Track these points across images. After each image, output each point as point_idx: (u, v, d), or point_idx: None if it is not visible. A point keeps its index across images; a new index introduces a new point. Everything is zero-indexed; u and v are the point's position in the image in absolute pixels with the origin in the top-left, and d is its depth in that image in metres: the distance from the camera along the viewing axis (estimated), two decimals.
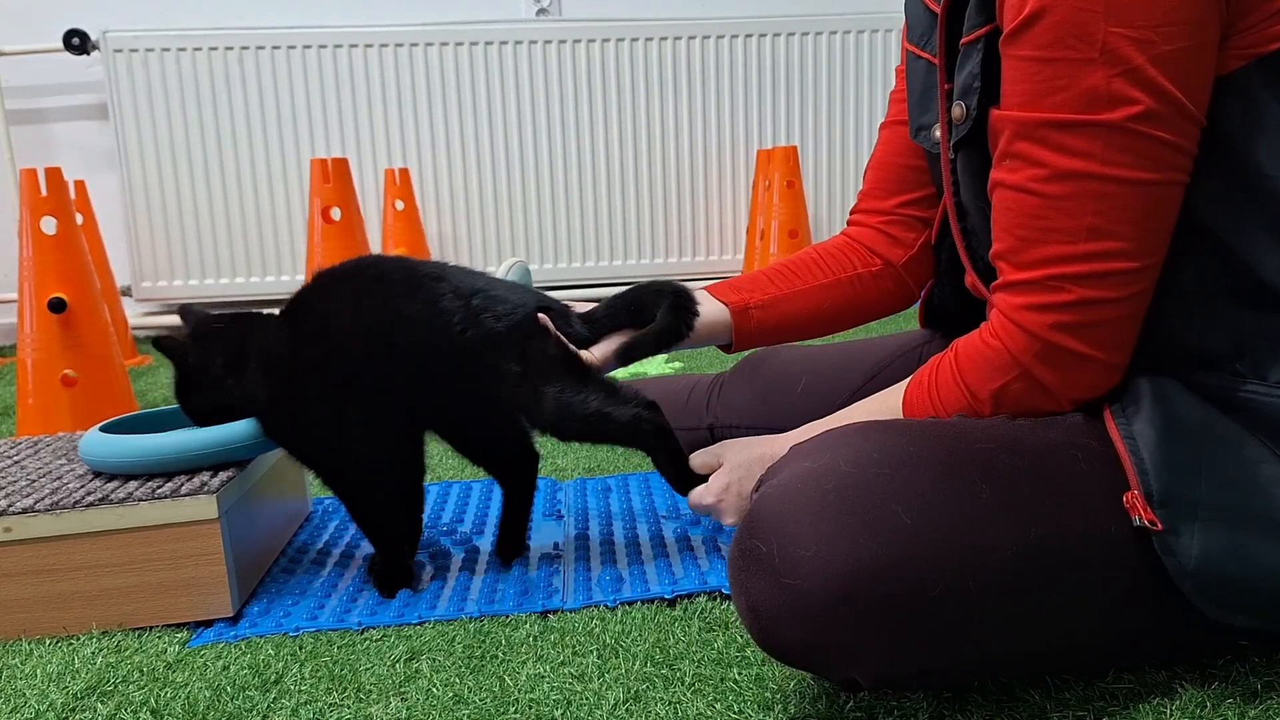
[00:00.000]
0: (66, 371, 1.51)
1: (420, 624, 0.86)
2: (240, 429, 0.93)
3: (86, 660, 0.81)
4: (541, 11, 2.84)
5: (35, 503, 0.86)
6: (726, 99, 2.84)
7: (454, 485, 1.29)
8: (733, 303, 1.00)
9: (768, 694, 0.71)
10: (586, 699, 0.72)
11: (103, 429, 0.97)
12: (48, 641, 0.86)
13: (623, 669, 0.76)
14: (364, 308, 0.89)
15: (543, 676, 0.75)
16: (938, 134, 0.88)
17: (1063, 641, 0.67)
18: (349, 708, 0.73)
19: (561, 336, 0.89)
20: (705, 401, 1.30)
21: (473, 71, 2.74)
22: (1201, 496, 0.63)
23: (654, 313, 0.92)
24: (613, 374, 0.93)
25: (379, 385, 0.89)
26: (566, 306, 0.93)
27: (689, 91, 2.82)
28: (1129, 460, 0.65)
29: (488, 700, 0.72)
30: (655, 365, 1.99)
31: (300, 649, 0.82)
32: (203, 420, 0.94)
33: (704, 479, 0.89)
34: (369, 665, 0.79)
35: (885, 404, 0.79)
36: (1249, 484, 0.64)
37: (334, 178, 2.16)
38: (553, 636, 0.82)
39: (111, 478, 0.91)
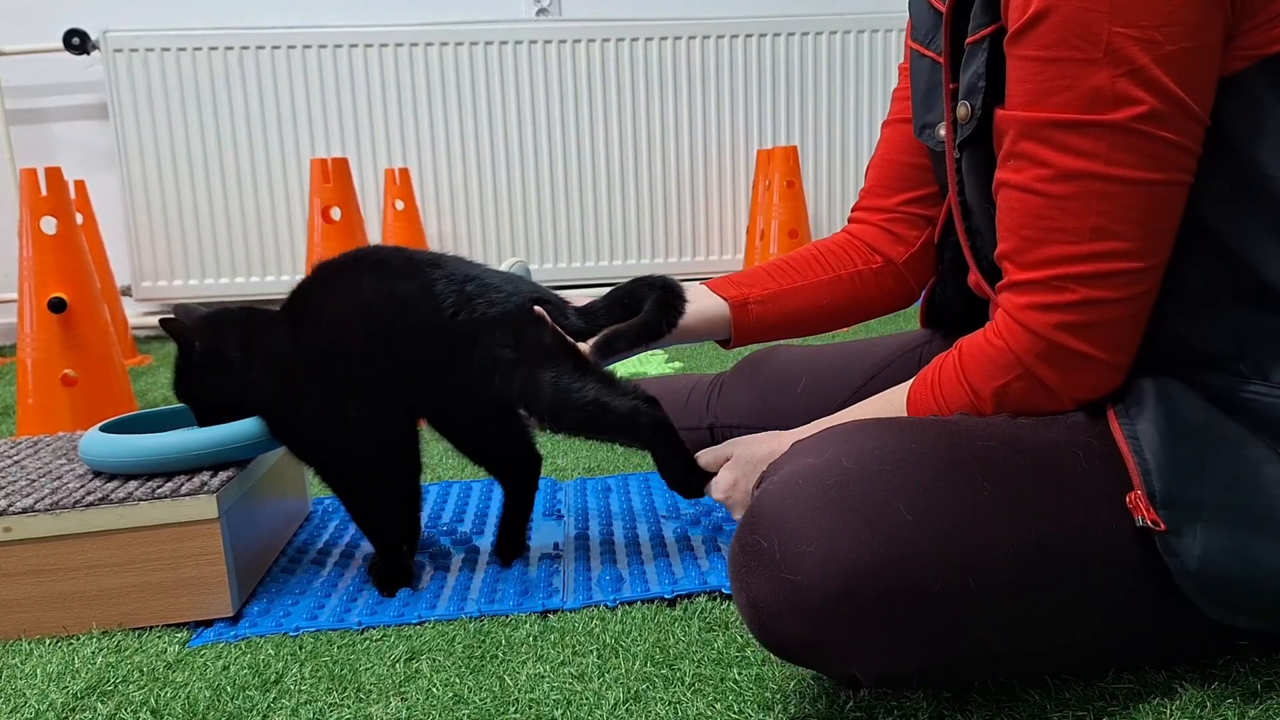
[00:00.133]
0: (66, 371, 1.51)
1: (420, 624, 0.86)
2: (240, 429, 0.93)
3: (86, 660, 0.81)
4: (541, 11, 2.84)
5: (35, 502, 0.86)
6: (726, 99, 2.84)
7: (454, 485, 1.29)
8: (732, 297, 1.00)
9: (768, 694, 0.71)
10: (586, 699, 0.72)
11: (103, 429, 0.97)
12: (48, 641, 0.86)
13: (623, 669, 0.76)
14: (361, 292, 0.89)
15: (543, 676, 0.75)
16: (941, 132, 0.88)
17: (1064, 640, 0.67)
18: (349, 707, 0.72)
19: (558, 328, 0.89)
20: (705, 401, 1.30)
21: (473, 71, 2.74)
22: (1204, 497, 0.63)
23: (643, 297, 0.91)
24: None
25: (376, 374, 0.89)
26: (563, 299, 0.93)
27: (689, 91, 2.82)
28: (1132, 460, 0.65)
29: (488, 700, 0.72)
30: (655, 365, 1.99)
31: (300, 649, 0.82)
32: (202, 411, 0.94)
33: (708, 475, 0.89)
34: (369, 665, 0.79)
35: (890, 402, 0.79)
36: (1251, 485, 0.64)
37: (334, 177, 2.16)
38: (553, 636, 0.82)
39: (111, 477, 0.91)
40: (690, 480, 0.91)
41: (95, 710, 0.74)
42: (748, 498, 0.85)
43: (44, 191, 1.53)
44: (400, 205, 2.59)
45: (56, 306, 1.49)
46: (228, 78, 2.66)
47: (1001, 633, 0.64)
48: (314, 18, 2.72)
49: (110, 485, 0.89)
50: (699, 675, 0.74)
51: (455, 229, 2.82)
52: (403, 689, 0.75)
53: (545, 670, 0.76)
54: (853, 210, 1.09)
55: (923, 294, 1.10)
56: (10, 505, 0.86)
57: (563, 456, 1.40)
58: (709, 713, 0.69)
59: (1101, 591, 0.65)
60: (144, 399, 1.90)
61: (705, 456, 0.90)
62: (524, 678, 0.75)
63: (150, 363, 2.38)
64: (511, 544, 1.01)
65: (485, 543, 1.06)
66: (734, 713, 0.69)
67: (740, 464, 0.86)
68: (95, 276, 1.58)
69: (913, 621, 0.61)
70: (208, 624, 0.88)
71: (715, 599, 0.88)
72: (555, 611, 0.87)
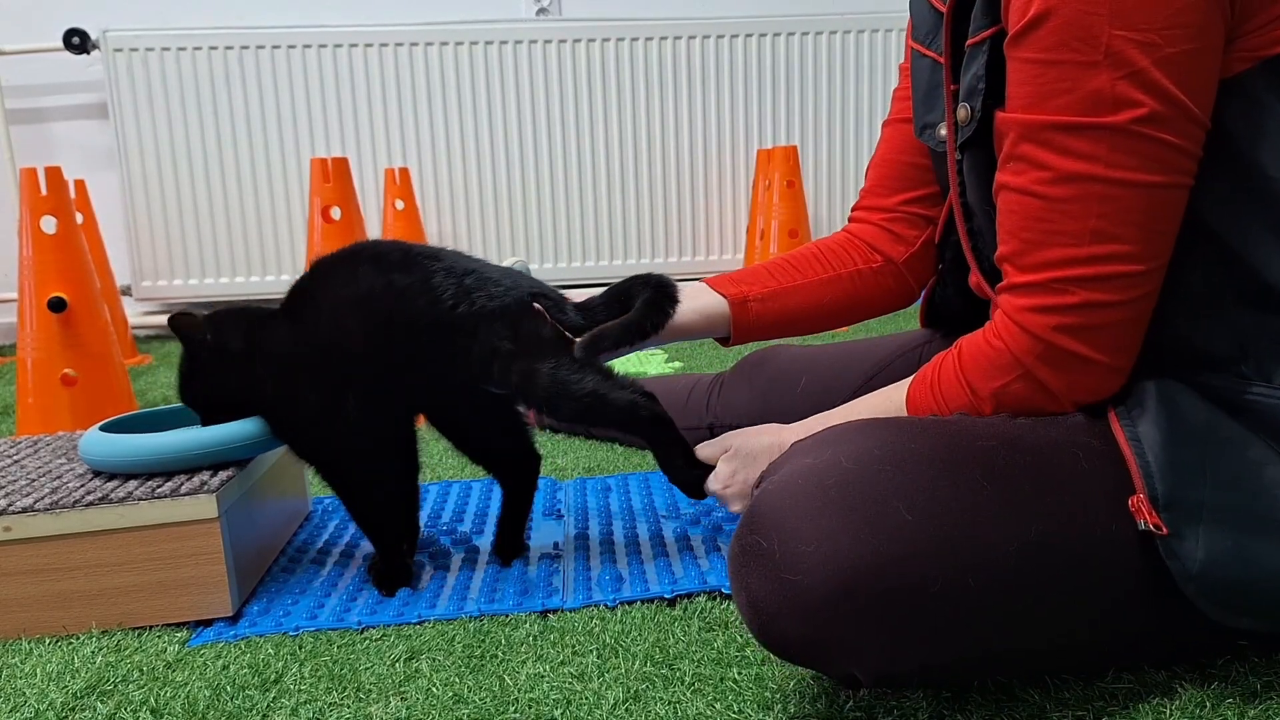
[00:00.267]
0: (66, 371, 1.50)
1: (420, 623, 0.86)
2: (240, 428, 0.93)
3: (86, 659, 0.81)
4: (541, 11, 2.84)
5: (35, 502, 0.86)
6: (726, 99, 2.84)
7: (454, 485, 1.29)
8: (731, 295, 1.00)
9: (767, 693, 0.71)
10: (586, 699, 0.72)
11: (102, 428, 0.97)
12: (47, 641, 0.86)
13: (622, 669, 0.76)
14: (359, 286, 0.89)
15: (542, 676, 0.75)
16: (942, 132, 0.88)
17: (1063, 640, 0.67)
18: (349, 707, 0.72)
19: (556, 323, 0.89)
20: (705, 401, 1.30)
21: (473, 71, 2.74)
22: (1206, 499, 0.63)
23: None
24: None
25: (375, 369, 0.89)
26: (561, 295, 0.93)
27: (689, 91, 2.82)
28: (1134, 462, 0.65)
29: (487, 700, 0.72)
30: (655, 365, 1.99)
31: (300, 648, 0.82)
32: (205, 410, 0.94)
33: (709, 469, 0.89)
34: (369, 665, 0.79)
35: (890, 400, 0.79)
36: (1254, 486, 0.64)
37: (334, 177, 2.16)
38: (552, 636, 0.82)
39: (111, 477, 0.91)
40: (693, 476, 0.91)
41: (95, 710, 0.74)
42: (746, 489, 0.85)
43: (44, 191, 1.53)
44: (400, 205, 2.59)
45: (56, 306, 1.49)
46: (228, 78, 2.66)
47: (1001, 632, 0.64)
48: (314, 18, 2.72)
49: (110, 485, 0.89)
50: (699, 675, 0.74)
51: (455, 229, 2.81)
52: (402, 689, 0.75)
53: (545, 670, 0.76)
54: (853, 210, 1.09)
55: (923, 294, 1.10)
56: (10, 505, 0.86)
57: (562, 456, 1.40)
58: (709, 712, 0.69)
59: (1101, 591, 0.65)
60: (144, 399, 1.90)
61: (704, 450, 0.90)
62: (524, 677, 0.75)
63: (150, 362, 2.38)
64: (511, 543, 1.01)
65: (485, 542, 1.06)
66: (734, 712, 0.69)
67: (738, 456, 0.86)
68: (95, 276, 1.58)
69: (913, 621, 0.61)
70: (207, 623, 0.88)
71: (715, 599, 0.88)
72: (555, 611, 0.87)
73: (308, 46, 2.67)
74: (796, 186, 2.60)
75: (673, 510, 1.14)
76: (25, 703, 0.75)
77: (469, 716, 0.70)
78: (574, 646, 0.80)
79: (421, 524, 1.06)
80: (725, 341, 1.03)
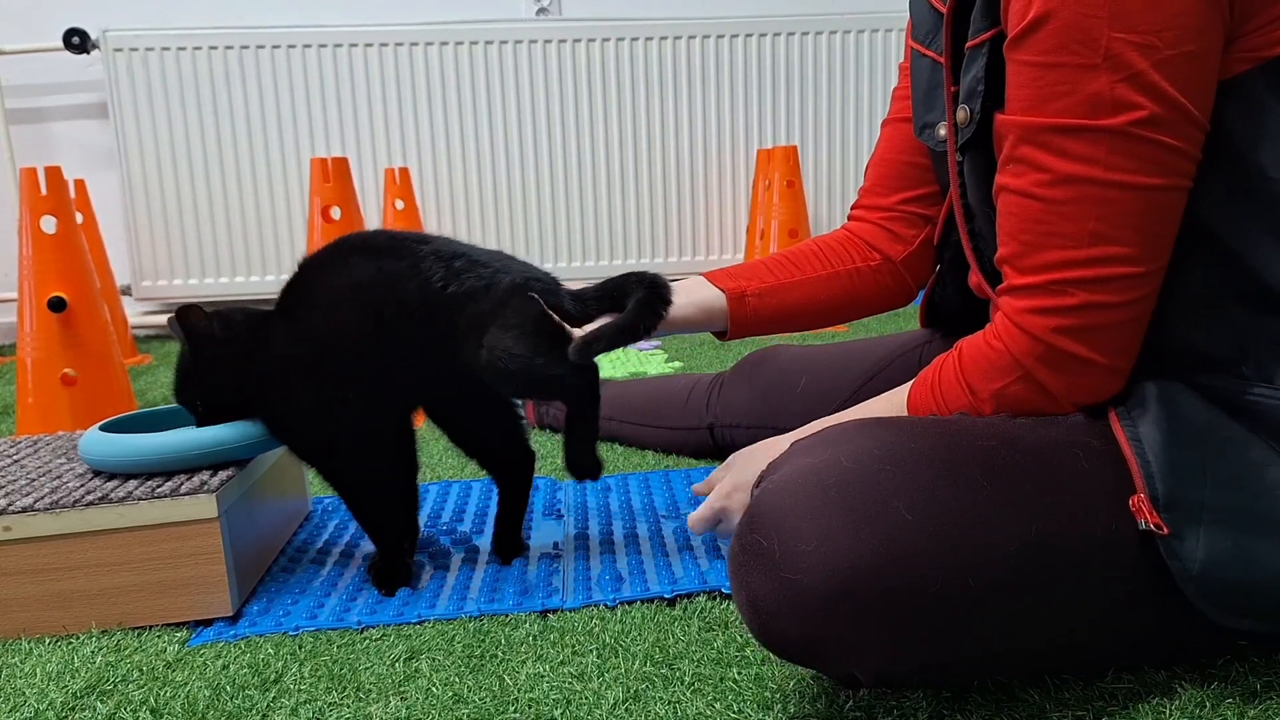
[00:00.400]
0: (66, 371, 1.50)
1: (420, 623, 0.86)
2: (240, 428, 0.93)
3: (86, 659, 0.81)
4: (541, 11, 2.84)
5: (35, 501, 0.86)
6: (726, 99, 2.84)
7: (454, 485, 1.29)
8: (729, 289, 1.00)
9: (767, 693, 0.71)
10: (586, 698, 0.72)
11: (102, 428, 0.97)
12: (47, 640, 0.86)
13: (622, 668, 0.76)
14: (351, 275, 0.90)
15: (542, 676, 0.75)
16: (942, 132, 0.88)
17: (1063, 640, 0.67)
18: (349, 707, 0.72)
19: (549, 310, 0.89)
20: (705, 401, 1.30)
21: (473, 71, 2.74)
22: (1206, 499, 0.63)
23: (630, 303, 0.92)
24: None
25: (373, 361, 0.89)
26: (556, 280, 0.93)
27: (689, 91, 2.82)
28: (1135, 462, 0.64)
29: (487, 700, 0.72)
30: (655, 365, 1.99)
31: (300, 648, 0.82)
32: (203, 409, 0.94)
33: (596, 460, 0.92)
34: (368, 664, 0.79)
35: (891, 403, 0.79)
36: (1255, 487, 0.64)
37: (334, 177, 2.16)
38: (552, 636, 0.82)
39: (111, 477, 0.91)
40: (588, 459, 0.93)
41: (95, 709, 0.74)
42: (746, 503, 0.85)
43: (44, 191, 1.53)
44: (400, 205, 2.59)
45: (56, 306, 1.49)
46: (228, 77, 2.66)
47: (1001, 632, 0.64)
48: (314, 18, 2.72)
49: (110, 484, 0.89)
50: (698, 675, 0.74)
51: (455, 228, 2.81)
52: (402, 688, 0.75)
53: (545, 670, 0.76)
54: (852, 208, 1.09)
55: (922, 294, 1.10)
56: (10, 504, 0.86)
57: (562, 456, 1.39)
58: (708, 712, 0.69)
59: (1101, 591, 0.65)
60: (144, 398, 1.90)
61: (710, 478, 0.91)
62: (524, 677, 0.75)
63: (150, 362, 2.38)
64: (508, 542, 1.01)
65: (485, 542, 1.06)
66: (733, 712, 0.69)
67: (739, 470, 0.86)
68: (95, 276, 1.58)
69: (912, 621, 0.61)
70: (207, 623, 0.88)
71: (715, 599, 0.88)
72: (555, 611, 0.87)
73: (308, 46, 2.67)
74: (796, 186, 2.60)
75: (672, 510, 1.14)
76: (25, 702, 0.75)
77: (469, 716, 0.70)
78: (574, 646, 0.80)
79: (421, 524, 1.06)
80: (722, 336, 1.03)
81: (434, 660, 0.79)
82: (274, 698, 0.74)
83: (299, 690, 0.75)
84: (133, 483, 0.89)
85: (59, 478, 0.93)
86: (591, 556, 1.00)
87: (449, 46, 2.72)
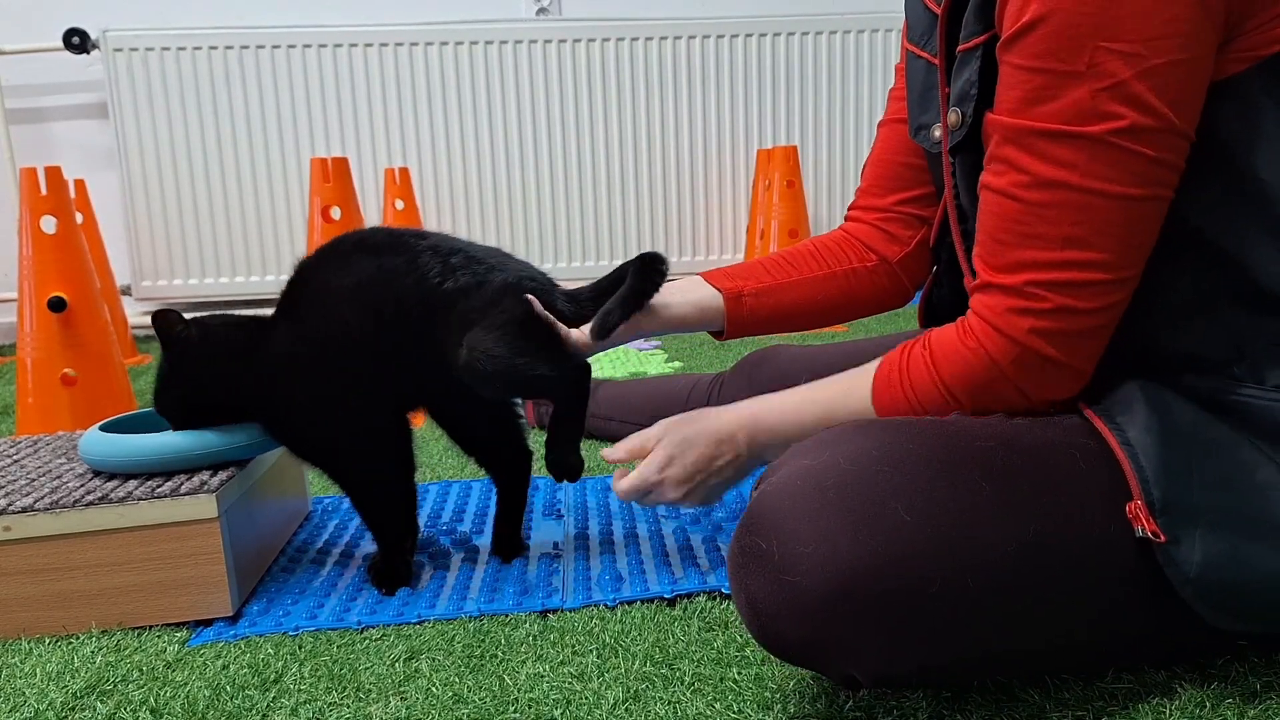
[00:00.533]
0: (66, 371, 1.51)
1: (420, 623, 0.86)
2: (240, 428, 0.93)
3: (86, 659, 0.81)
4: (541, 11, 2.84)
5: (35, 501, 0.86)
6: (726, 99, 2.84)
7: (454, 485, 1.29)
8: (726, 289, 1.00)
9: (767, 693, 0.71)
10: (586, 698, 0.72)
11: (102, 428, 0.97)
12: (47, 640, 0.86)
13: (622, 668, 0.76)
14: (352, 273, 0.90)
15: (542, 676, 0.75)
16: (937, 133, 0.88)
17: (1062, 640, 0.67)
18: (348, 707, 0.72)
19: (545, 311, 0.89)
20: (705, 401, 1.30)
21: (473, 71, 2.74)
22: (1200, 502, 0.63)
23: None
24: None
25: (374, 358, 0.89)
26: (551, 280, 0.93)
27: (689, 91, 2.82)
28: (1129, 467, 0.64)
29: (487, 700, 0.72)
30: (655, 365, 1.99)
31: (300, 648, 0.82)
32: (183, 415, 0.93)
33: (579, 461, 0.91)
34: (368, 664, 0.79)
35: (851, 390, 0.79)
36: (1245, 488, 0.64)
37: (334, 177, 2.16)
38: (552, 636, 0.82)
39: (111, 477, 0.91)
40: (569, 462, 0.93)
41: (95, 709, 0.74)
42: (684, 475, 0.85)
43: (44, 191, 1.53)
44: (400, 205, 2.59)
45: (56, 306, 1.49)
46: (228, 77, 2.66)
47: (1000, 632, 0.64)
48: (314, 18, 2.72)
49: (110, 484, 0.89)
50: (698, 675, 0.74)
51: (455, 228, 2.81)
52: (402, 688, 0.75)
53: (545, 670, 0.76)
54: (849, 209, 1.09)
55: (920, 294, 1.10)
56: (10, 504, 0.86)
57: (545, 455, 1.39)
58: (708, 712, 0.69)
59: (1099, 591, 0.65)
60: (144, 398, 1.90)
61: (633, 441, 0.90)
62: (523, 677, 0.75)
63: (150, 362, 2.38)
64: (507, 541, 1.01)
65: (485, 542, 1.06)
66: (733, 712, 0.69)
67: (673, 444, 0.86)
68: (95, 276, 1.58)
69: (911, 622, 0.61)
70: (207, 623, 0.88)
71: (715, 599, 0.88)
72: (555, 611, 0.87)
73: (308, 46, 2.67)
74: (796, 186, 2.60)
75: (672, 510, 1.14)
76: (25, 702, 0.75)
77: (469, 716, 0.70)
78: (574, 646, 0.80)
79: (421, 524, 1.06)
80: (719, 335, 1.04)
81: (434, 660, 0.79)
82: (274, 698, 0.74)
83: (299, 690, 0.75)
84: (133, 483, 0.89)
85: (59, 478, 0.93)
86: (591, 556, 1.00)
87: (449, 46, 2.72)
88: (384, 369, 0.90)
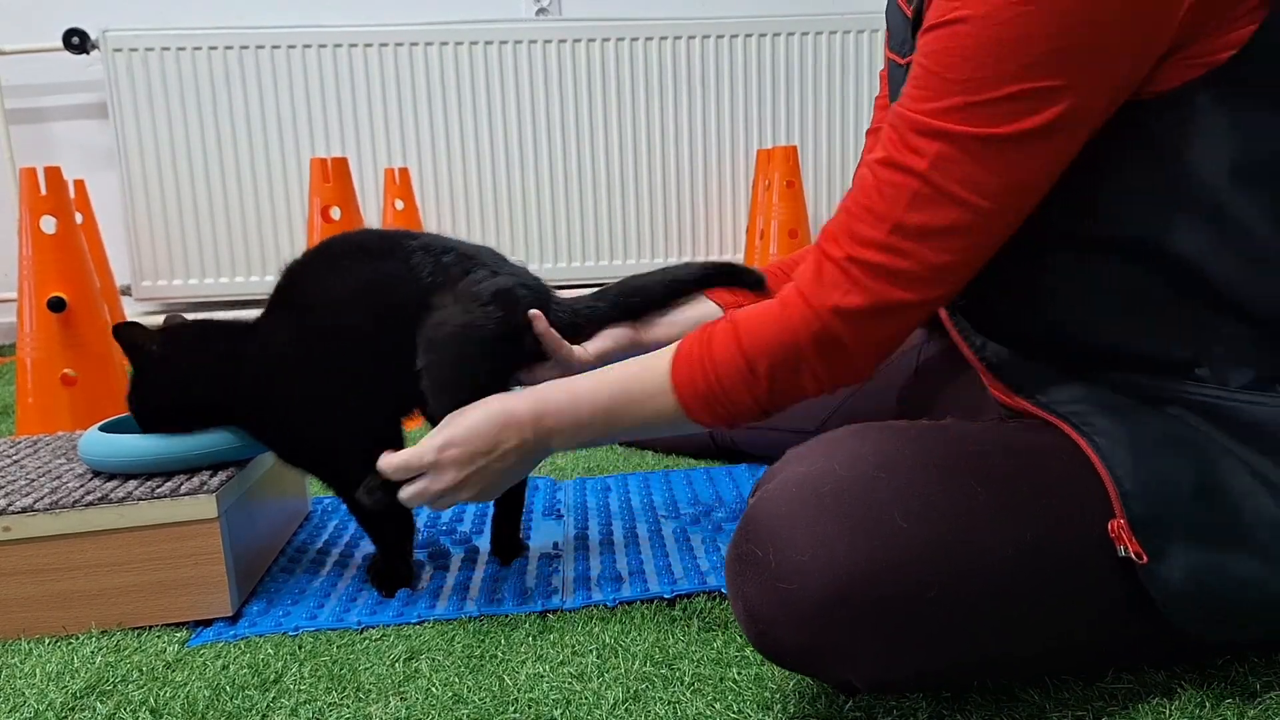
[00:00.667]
0: (66, 371, 1.50)
1: (420, 623, 0.86)
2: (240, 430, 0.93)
3: (86, 659, 0.81)
4: (541, 11, 2.84)
5: (35, 502, 0.86)
6: (726, 99, 2.84)
7: None
8: (727, 304, 1.00)
9: (767, 694, 0.71)
10: (586, 698, 0.72)
11: (102, 428, 0.97)
12: (47, 641, 0.86)
13: (622, 669, 0.76)
14: (348, 278, 0.90)
15: (542, 676, 0.75)
16: None
17: (1059, 644, 0.67)
18: (348, 707, 0.73)
19: (546, 321, 0.88)
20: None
21: (473, 71, 2.74)
22: (1178, 514, 0.63)
23: (655, 296, 0.94)
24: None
25: (372, 360, 0.89)
26: (547, 287, 0.93)
27: (689, 91, 2.82)
28: (1110, 483, 0.64)
29: (487, 700, 0.72)
30: None
31: (299, 648, 0.82)
32: (155, 420, 0.92)
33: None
34: (368, 665, 0.79)
35: (648, 369, 0.77)
36: (1220, 496, 0.63)
37: (334, 177, 2.16)
38: (552, 636, 0.82)
39: (111, 477, 0.91)
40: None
41: (94, 710, 0.74)
42: (466, 457, 0.79)
43: (43, 191, 1.53)
44: (400, 205, 2.59)
45: (56, 306, 1.49)
46: (228, 78, 2.66)
47: (997, 636, 0.64)
48: (314, 18, 2.72)
49: (110, 485, 0.89)
50: (698, 675, 0.74)
51: (455, 229, 2.81)
52: (402, 689, 0.75)
53: (545, 670, 0.76)
54: None
55: None
56: (10, 504, 0.86)
57: (562, 456, 1.40)
58: (708, 712, 0.69)
59: (1098, 593, 0.65)
60: None
61: (424, 442, 0.82)
62: (523, 677, 0.75)
63: None
64: (507, 542, 1.01)
65: (485, 542, 1.06)
66: (733, 712, 0.69)
67: (453, 425, 0.80)
68: (95, 276, 1.58)
69: (908, 627, 0.61)
70: (207, 623, 0.88)
71: (715, 599, 0.88)
72: (555, 611, 0.87)
73: (308, 46, 2.67)
74: (796, 187, 2.60)
75: (672, 510, 1.14)
76: (25, 703, 0.75)
77: (469, 716, 0.70)
78: (574, 646, 0.80)
79: (421, 524, 1.06)
80: None
81: (434, 660, 0.79)
82: (274, 698, 0.74)
83: (299, 690, 0.75)
84: (133, 483, 0.89)
85: (59, 478, 0.93)
86: (591, 556, 1.00)
87: (449, 46, 2.72)
88: (380, 370, 0.90)
